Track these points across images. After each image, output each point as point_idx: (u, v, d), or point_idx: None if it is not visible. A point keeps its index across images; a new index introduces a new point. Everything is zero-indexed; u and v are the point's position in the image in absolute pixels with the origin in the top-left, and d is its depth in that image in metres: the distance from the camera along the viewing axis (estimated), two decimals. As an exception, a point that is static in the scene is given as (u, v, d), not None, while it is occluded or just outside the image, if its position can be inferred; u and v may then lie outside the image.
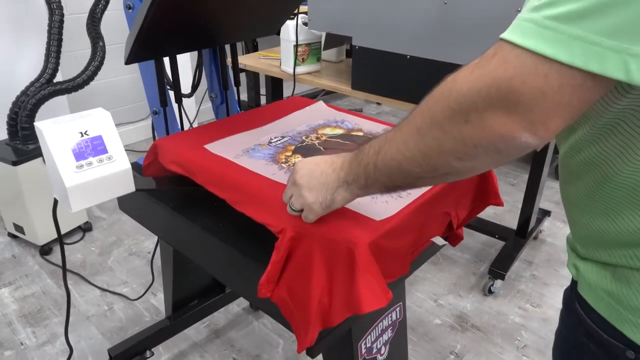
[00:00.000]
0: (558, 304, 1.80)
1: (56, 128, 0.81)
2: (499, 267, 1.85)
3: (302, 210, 0.71)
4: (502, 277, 1.84)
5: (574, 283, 0.66)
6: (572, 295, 0.66)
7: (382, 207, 0.78)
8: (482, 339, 1.67)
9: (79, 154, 0.82)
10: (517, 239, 2.01)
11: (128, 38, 0.95)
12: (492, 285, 1.85)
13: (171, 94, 1.15)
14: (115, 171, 0.85)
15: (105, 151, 0.84)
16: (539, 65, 0.42)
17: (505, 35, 0.45)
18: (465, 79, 0.47)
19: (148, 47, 0.99)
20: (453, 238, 0.97)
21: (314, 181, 0.68)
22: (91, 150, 0.83)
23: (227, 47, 1.25)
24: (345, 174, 0.65)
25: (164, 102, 1.11)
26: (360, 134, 1.06)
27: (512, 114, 0.44)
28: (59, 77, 2.05)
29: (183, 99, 1.18)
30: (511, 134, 0.45)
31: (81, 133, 0.83)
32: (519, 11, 1.60)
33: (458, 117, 0.47)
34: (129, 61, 0.99)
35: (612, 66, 0.40)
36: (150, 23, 0.88)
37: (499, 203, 1.00)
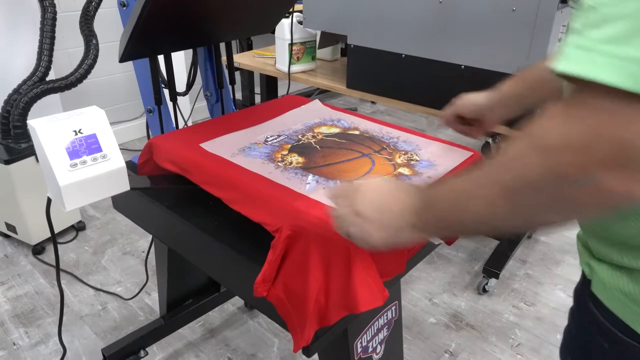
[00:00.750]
0: (552, 303, 1.82)
1: (50, 126, 0.80)
2: (493, 266, 1.85)
3: (358, 239, 0.64)
4: (497, 276, 1.85)
5: (586, 281, 0.65)
6: (584, 294, 0.66)
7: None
8: (477, 337, 1.68)
9: (73, 153, 0.81)
10: (511, 238, 2.02)
11: (122, 36, 0.94)
12: (487, 284, 1.86)
13: (166, 92, 1.14)
14: (109, 170, 0.84)
15: (99, 150, 0.83)
16: None
17: (589, 73, 0.39)
18: (561, 133, 0.41)
19: (142, 45, 0.98)
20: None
21: (385, 222, 0.61)
22: (85, 148, 0.82)
23: (222, 46, 1.25)
24: (416, 219, 0.59)
25: (159, 100, 1.11)
26: (357, 132, 1.06)
27: (631, 170, 0.39)
28: (51, 75, 2.03)
29: (177, 97, 1.17)
30: (628, 192, 0.40)
31: (75, 131, 0.82)
32: (514, 10, 1.60)
33: (562, 180, 0.42)
34: (123, 59, 0.98)
35: None
36: (145, 21, 0.88)
37: None
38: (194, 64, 1.28)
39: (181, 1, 0.93)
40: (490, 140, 2.99)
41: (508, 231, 0.54)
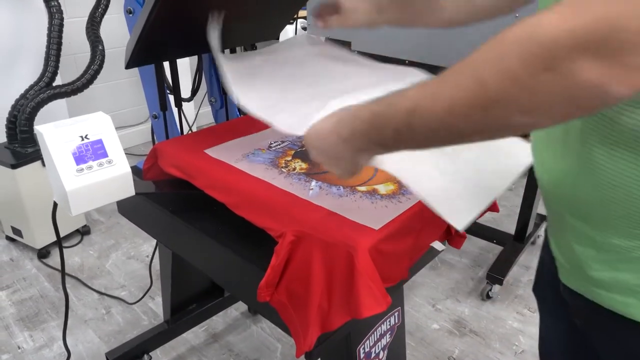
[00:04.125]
0: (556, 309, 1.81)
1: (57, 132, 0.81)
2: (497, 272, 1.85)
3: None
4: (500, 282, 1.84)
5: (594, 315, 0.63)
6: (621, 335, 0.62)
7: (382, 212, 0.79)
8: (480, 343, 1.67)
9: (80, 158, 0.82)
10: (515, 244, 2.02)
11: (129, 42, 0.95)
12: (490, 290, 1.85)
13: (171, 98, 1.15)
14: (115, 175, 0.85)
15: (105, 155, 0.84)
16: None
17: None
18: (556, 20, 0.40)
19: (148, 51, 0.99)
20: (455, 240, 0.97)
21: (330, 160, 0.64)
22: (91, 154, 0.83)
23: (227, 52, 1.26)
24: (360, 143, 0.59)
25: (164, 106, 1.12)
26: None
27: (609, 59, 0.38)
28: (58, 81, 2.05)
29: (182, 103, 1.18)
30: (601, 84, 0.39)
31: (81, 137, 0.83)
32: (517, 17, 1.62)
33: (539, 63, 0.41)
34: (129, 65, 0.99)
35: None
36: (151, 27, 0.89)
37: (495, 209, 1.00)
38: (198, 70, 1.29)
39: (187, 9, 0.94)
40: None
41: (472, 140, 0.52)
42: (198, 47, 1.16)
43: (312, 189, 0.85)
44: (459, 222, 0.68)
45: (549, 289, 0.77)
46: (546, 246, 0.75)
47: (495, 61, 0.44)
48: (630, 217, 0.55)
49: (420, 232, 0.82)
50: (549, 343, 0.84)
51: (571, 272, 0.66)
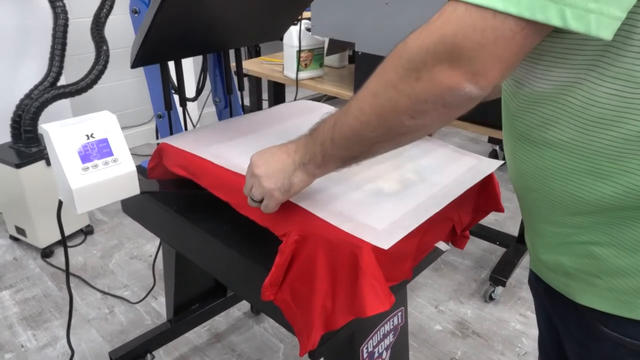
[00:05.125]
0: (559, 311, 1.81)
1: (62, 130, 0.82)
2: (500, 274, 1.85)
3: (262, 201, 0.73)
4: (503, 284, 1.84)
5: (583, 313, 0.65)
6: (590, 325, 0.65)
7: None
8: (483, 345, 1.67)
9: (85, 157, 0.82)
10: (518, 245, 2.02)
11: (134, 42, 0.96)
12: (493, 291, 1.85)
13: (175, 97, 1.15)
14: (120, 174, 0.85)
15: (110, 154, 0.85)
16: (477, 20, 0.46)
17: None
18: (415, 40, 0.51)
19: (154, 51, 1.00)
20: (460, 241, 0.97)
21: (270, 169, 0.70)
22: (97, 152, 0.84)
23: (232, 52, 1.26)
24: (300, 156, 0.67)
25: (169, 105, 1.12)
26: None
27: (456, 67, 0.48)
28: (62, 81, 2.06)
29: (187, 102, 1.18)
30: (456, 86, 0.49)
31: (87, 135, 0.83)
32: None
33: (410, 75, 0.51)
34: (134, 65, 1.00)
35: (553, 14, 0.44)
36: (156, 28, 0.89)
37: (500, 209, 1.00)
38: (203, 70, 1.29)
39: (192, 9, 0.95)
40: (497, 147, 2.99)
41: (382, 147, 0.61)
42: (203, 47, 1.16)
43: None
44: (385, 242, 0.71)
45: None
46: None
47: (381, 75, 0.55)
48: (554, 205, 0.62)
49: (426, 232, 0.83)
50: (541, 334, 0.88)
51: (532, 257, 0.76)
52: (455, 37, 0.47)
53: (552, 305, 0.74)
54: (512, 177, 0.71)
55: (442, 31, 0.48)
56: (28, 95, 1.97)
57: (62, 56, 2.00)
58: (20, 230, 2.09)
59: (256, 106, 2.92)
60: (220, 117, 1.33)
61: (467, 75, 0.48)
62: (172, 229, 1.04)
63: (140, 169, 1.08)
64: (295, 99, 1.50)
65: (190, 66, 2.75)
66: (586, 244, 0.61)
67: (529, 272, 0.82)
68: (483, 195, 0.98)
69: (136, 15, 1.07)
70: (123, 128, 0.89)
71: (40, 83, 1.99)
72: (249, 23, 1.16)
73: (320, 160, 0.65)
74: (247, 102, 3.21)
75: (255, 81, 2.49)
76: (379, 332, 1.00)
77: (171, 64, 1.10)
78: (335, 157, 0.64)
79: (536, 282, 0.77)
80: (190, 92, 1.24)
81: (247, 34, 1.23)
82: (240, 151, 0.98)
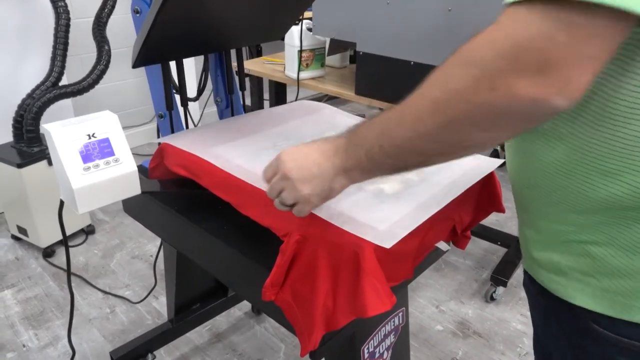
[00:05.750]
0: (560, 312, 1.80)
1: (64, 130, 0.82)
2: (501, 274, 1.85)
3: (293, 205, 0.68)
4: (504, 284, 1.84)
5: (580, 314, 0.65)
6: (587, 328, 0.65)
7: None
8: (484, 345, 1.67)
9: (86, 156, 0.82)
10: (519, 246, 2.01)
11: (135, 42, 0.96)
12: (494, 292, 1.85)
13: (176, 97, 1.15)
14: (121, 173, 0.86)
15: (112, 153, 0.85)
16: (562, 18, 0.40)
17: None
18: (485, 44, 0.45)
19: (155, 51, 1.00)
20: (461, 241, 0.97)
21: (307, 173, 0.64)
22: (98, 152, 0.84)
23: (233, 52, 1.26)
24: (341, 161, 0.62)
25: (170, 105, 1.12)
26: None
27: (541, 76, 0.42)
28: (64, 81, 2.07)
29: (188, 102, 1.18)
30: (541, 97, 0.42)
31: (89, 135, 0.83)
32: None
33: (482, 84, 0.45)
34: (136, 65, 1.00)
35: None
36: (158, 27, 0.89)
37: (501, 209, 1.00)
38: (204, 70, 1.29)
39: (193, 9, 0.95)
40: (498, 147, 2.98)
41: (441, 159, 0.56)
42: (204, 47, 1.16)
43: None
44: (388, 242, 0.70)
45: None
46: None
47: (443, 83, 0.49)
48: (557, 202, 0.60)
49: (427, 232, 0.82)
50: (537, 335, 0.88)
51: (525, 256, 0.75)
52: (535, 40, 0.41)
53: (547, 306, 0.73)
54: (513, 171, 0.68)
55: (517, 33, 0.42)
56: (30, 95, 1.97)
57: (64, 56, 2.01)
58: (22, 230, 2.10)
59: (257, 106, 2.93)
60: (222, 117, 1.33)
61: (554, 83, 0.42)
62: (173, 228, 1.04)
63: (141, 169, 1.08)
64: (296, 99, 1.50)
65: (192, 66, 2.75)
66: (584, 243, 0.60)
67: (523, 273, 0.82)
68: (484, 195, 0.98)
69: (138, 15, 1.08)
70: (124, 128, 0.89)
71: (42, 83, 1.99)
72: (251, 23, 1.16)
73: (367, 167, 0.60)
74: (248, 102, 3.21)
75: (257, 81, 2.49)
76: (380, 333, 1.00)
77: (172, 64, 1.10)
78: (385, 165, 0.59)
79: (530, 284, 0.76)
80: (191, 92, 1.24)
81: (249, 34, 1.23)
82: (241, 152, 0.98)
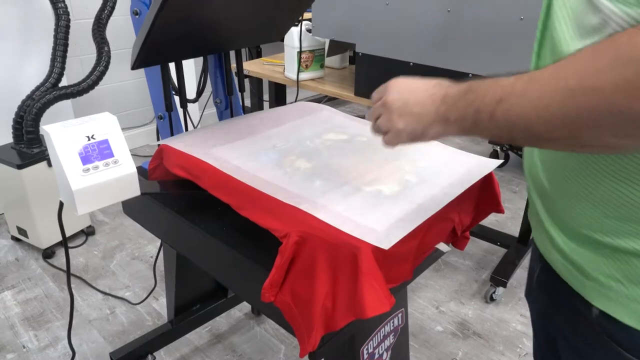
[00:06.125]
0: (560, 312, 1.80)
1: (64, 132, 0.82)
2: (501, 275, 1.85)
3: (386, 133, 0.66)
4: (504, 285, 1.84)
5: (588, 317, 0.60)
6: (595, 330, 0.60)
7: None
8: (484, 346, 1.67)
9: (86, 158, 0.83)
10: (519, 246, 2.01)
11: (135, 44, 0.96)
12: (494, 292, 1.85)
13: (176, 98, 1.16)
14: (121, 175, 0.86)
15: (111, 155, 0.85)
16: None
17: None
18: None
19: (154, 52, 1.00)
20: (460, 242, 0.98)
21: (407, 109, 0.62)
22: (98, 154, 0.84)
23: (232, 53, 1.26)
24: (446, 109, 0.58)
25: (170, 107, 1.12)
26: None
27: None
28: (64, 82, 2.07)
29: (187, 104, 1.19)
30: None
31: (88, 137, 0.83)
32: (522, 19, 1.61)
33: (636, 91, 0.39)
34: (135, 66, 1.00)
35: None
36: (157, 29, 0.89)
37: (500, 210, 1.00)
38: (204, 71, 1.29)
39: (192, 11, 0.95)
40: (497, 148, 2.99)
41: (553, 147, 0.50)
42: (204, 48, 1.17)
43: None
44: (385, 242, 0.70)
45: (537, 294, 0.79)
46: (534, 252, 0.76)
47: (587, 75, 0.42)
48: (599, 207, 0.55)
49: (426, 233, 0.83)
50: (539, 345, 0.85)
51: (546, 245, 0.66)
52: None
53: (557, 304, 0.68)
54: (548, 166, 0.62)
55: None
56: (30, 97, 1.98)
57: (64, 57, 2.01)
58: (22, 231, 2.10)
59: (257, 107, 2.93)
60: (221, 118, 1.33)
61: None
62: (173, 230, 1.05)
63: (140, 170, 1.08)
64: (296, 100, 1.51)
65: (191, 67, 2.75)
66: (621, 249, 0.55)
67: (527, 281, 0.79)
68: (483, 195, 0.98)
69: (137, 16, 1.08)
70: (124, 129, 0.89)
71: (42, 84, 1.99)
72: (250, 24, 1.17)
73: (469, 127, 0.55)
74: (247, 103, 3.22)
75: (256, 82, 2.49)
76: (379, 333, 1.00)
77: (172, 65, 1.11)
78: (489, 133, 0.54)
79: (545, 276, 0.70)
80: (191, 93, 1.25)
81: (248, 36, 1.23)
82: (240, 153, 0.98)
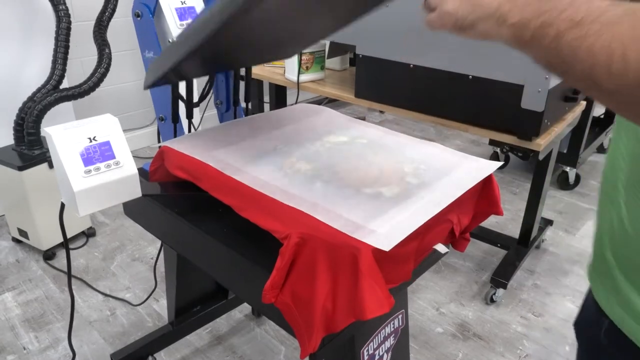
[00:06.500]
0: (560, 314, 1.81)
1: (65, 133, 0.82)
2: (501, 276, 1.85)
3: (433, 10, 0.58)
4: (504, 286, 1.84)
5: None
6: None
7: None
8: (484, 347, 1.67)
9: (87, 159, 0.83)
10: (519, 247, 2.02)
11: (152, 65, 0.90)
12: (494, 294, 1.85)
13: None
14: (122, 176, 0.86)
15: (112, 157, 0.85)
16: None
17: None
18: None
19: (178, 76, 0.97)
20: (460, 243, 0.98)
21: None
22: (99, 155, 0.84)
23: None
24: (509, 9, 0.49)
25: (176, 118, 1.12)
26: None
27: None
28: (65, 84, 2.07)
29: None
30: None
31: (89, 139, 0.84)
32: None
33: None
34: (150, 87, 0.94)
35: None
36: (186, 60, 0.81)
37: (499, 212, 1.00)
38: (210, 79, 1.29)
39: (224, 43, 0.84)
40: (498, 150, 2.99)
41: (601, 100, 0.43)
42: (221, 67, 1.14)
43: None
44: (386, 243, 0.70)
45: (589, 329, 0.70)
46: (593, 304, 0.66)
47: None
48: None
49: (425, 234, 0.83)
50: None
51: (613, 298, 0.59)
52: None
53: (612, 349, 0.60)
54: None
55: None
56: (31, 98, 1.98)
57: (65, 59, 2.01)
58: (23, 233, 2.10)
59: (258, 109, 2.93)
60: (222, 120, 1.34)
61: None
62: (174, 231, 1.05)
63: (142, 172, 1.08)
64: (296, 102, 1.51)
65: (192, 69, 2.75)
66: None
67: (581, 312, 0.68)
68: (482, 197, 0.98)
69: (139, 18, 1.08)
70: (125, 131, 0.89)
71: (43, 86, 2.00)
72: (272, 45, 1.07)
73: (523, 39, 0.48)
74: (248, 105, 3.23)
75: (257, 84, 2.50)
76: (379, 335, 1.00)
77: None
78: (543, 55, 0.46)
79: (600, 330, 0.60)
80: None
81: (266, 54, 1.15)
82: (241, 155, 0.98)
